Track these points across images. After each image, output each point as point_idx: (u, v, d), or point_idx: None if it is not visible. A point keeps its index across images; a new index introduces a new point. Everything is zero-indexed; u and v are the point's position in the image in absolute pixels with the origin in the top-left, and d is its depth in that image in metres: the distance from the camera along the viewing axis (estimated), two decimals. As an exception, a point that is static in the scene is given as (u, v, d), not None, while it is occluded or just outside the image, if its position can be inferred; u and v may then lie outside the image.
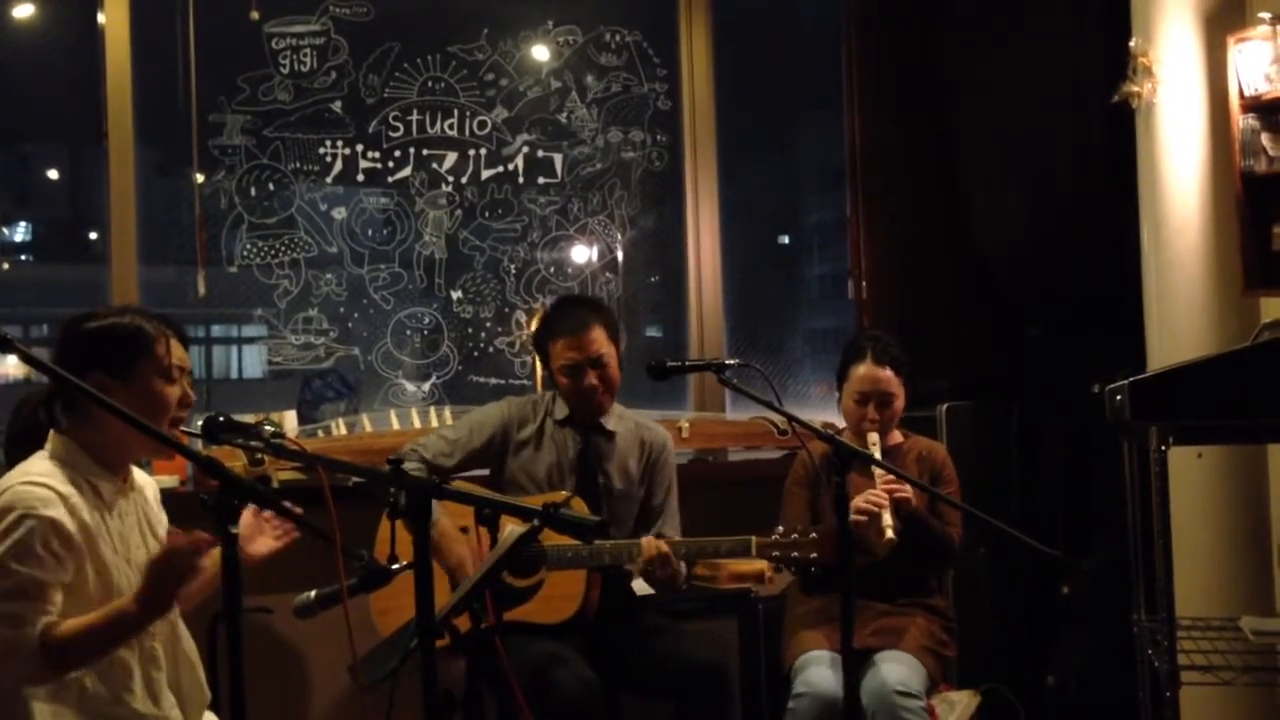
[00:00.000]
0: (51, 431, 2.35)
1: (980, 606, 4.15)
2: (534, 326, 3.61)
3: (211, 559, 2.67)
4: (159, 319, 2.43)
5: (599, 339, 3.36)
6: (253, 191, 4.12)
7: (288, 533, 2.66)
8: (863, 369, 3.49)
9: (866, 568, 3.28)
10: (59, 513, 2.22)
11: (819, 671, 3.23)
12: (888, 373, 3.47)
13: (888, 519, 3.19)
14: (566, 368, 3.35)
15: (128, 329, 2.37)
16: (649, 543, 3.19)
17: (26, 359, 2.01)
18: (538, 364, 4.10)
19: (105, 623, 2.20)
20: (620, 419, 3.50)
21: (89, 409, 2.33)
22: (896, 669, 3.22)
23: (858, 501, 3.20)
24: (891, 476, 3.22)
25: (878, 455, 3.31)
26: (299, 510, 2.11)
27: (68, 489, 2.26)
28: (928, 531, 3.37)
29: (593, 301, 3.70)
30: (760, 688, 3.79)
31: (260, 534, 2.64)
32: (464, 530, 3.25)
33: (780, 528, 3.13)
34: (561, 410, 3.44)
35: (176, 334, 2.43)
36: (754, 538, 3.14)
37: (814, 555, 3.07)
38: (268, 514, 2.63)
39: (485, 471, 3.47)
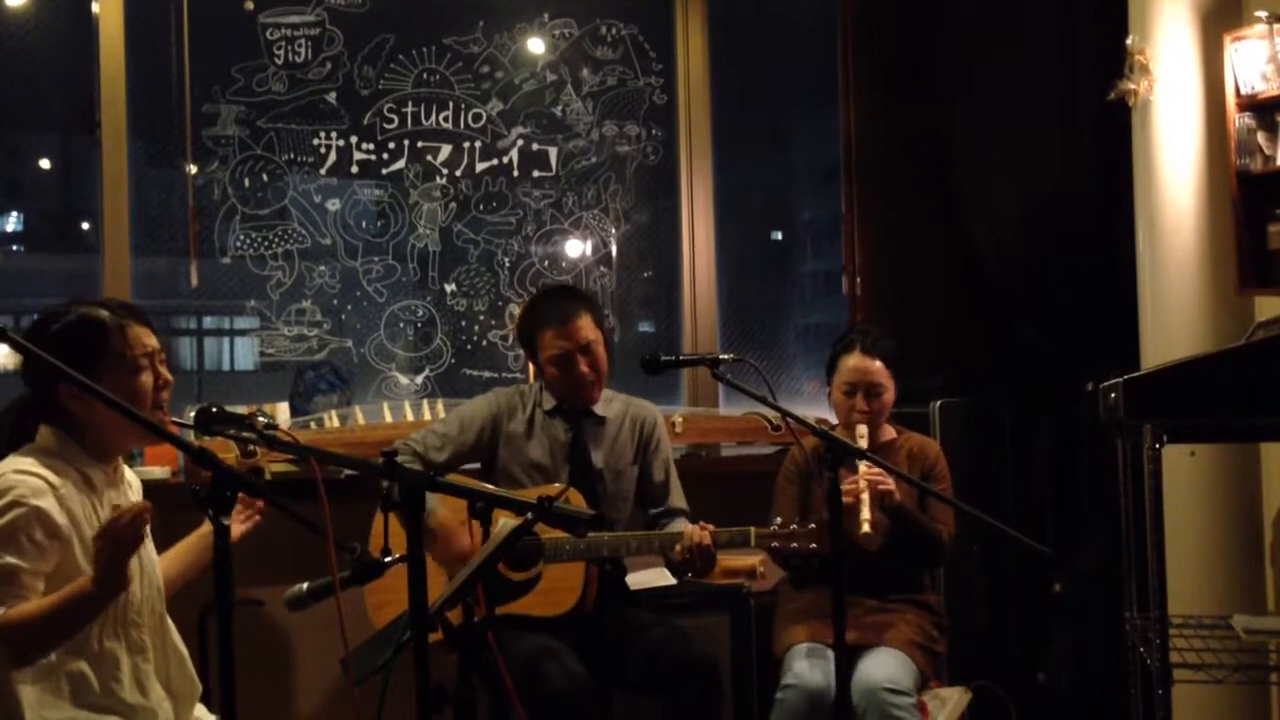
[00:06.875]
0: (42, 426, 2.33)
1: (972, 603, 4.15)
2: (518, 319, 3.60)
3: (201, 543, 2.66)
4: (119, 307, 2.38)
5: (586, 326, 3.36)
6: (246, 183, 4.10)
7: (249, 517, 2.64)
8: (852, 360, 3.49)
9: (857, 564, 3.28)
10: (49, 503, 2.21)
11: (807, 664, 3.23)
12: (877, 364, 3.47)
13: (865, 513, 3.16)
14: (556, 358, 3.35)
15: (81, 329, 2.32)
16: (693, 531, 3.17)
17: (18, 348, 2.01)
18: (530, 358, 4.09)
19: (61, 605, 2.17)
20: (609, 402, 3.50)
21: (72, 406, 2.31)
22: (885, 665, 3.21)
23: None
24: (875, 467, 3.21)
25: (864, 447, 3.30)
26: (299, 512, 2.08)
27: (58, 479, 2.25)
28: (915, 527, 3.36)
29: (575, 290, 3.70)
30: (751, 683, 3.78)
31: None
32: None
33: (778, 519, 3.13)
34: (550, 400, 3.44)
35: (137, 319, 2.38)
36: (753, 528, 3.14)
37: (813, 545, 3.06)
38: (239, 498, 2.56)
39: (476, 466, 3.46)
